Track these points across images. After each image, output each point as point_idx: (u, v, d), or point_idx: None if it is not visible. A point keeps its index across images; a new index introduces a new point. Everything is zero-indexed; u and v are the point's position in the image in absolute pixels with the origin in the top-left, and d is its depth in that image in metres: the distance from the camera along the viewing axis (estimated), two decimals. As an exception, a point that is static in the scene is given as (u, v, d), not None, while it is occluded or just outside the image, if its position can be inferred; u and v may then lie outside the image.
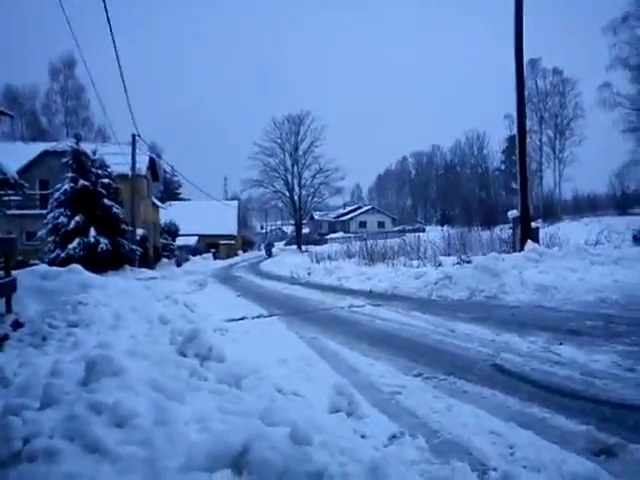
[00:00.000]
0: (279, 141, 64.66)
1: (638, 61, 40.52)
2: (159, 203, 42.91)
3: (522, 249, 13.67)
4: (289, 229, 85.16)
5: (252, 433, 2.77)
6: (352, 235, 53.76)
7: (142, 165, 32.22)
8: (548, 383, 4.49)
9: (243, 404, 3.53)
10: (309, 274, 19.18)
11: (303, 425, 2.87)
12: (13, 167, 15.70)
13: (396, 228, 67.15)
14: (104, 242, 24.31)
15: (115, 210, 25.82)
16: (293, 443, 2.72)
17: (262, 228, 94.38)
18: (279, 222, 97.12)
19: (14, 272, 7.38)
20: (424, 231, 47.73)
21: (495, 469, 2.92)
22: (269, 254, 48.15)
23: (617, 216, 32.45)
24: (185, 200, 65.63)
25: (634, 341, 5.80)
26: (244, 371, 4.32)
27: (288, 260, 29.52)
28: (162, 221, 43.41)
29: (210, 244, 50.22)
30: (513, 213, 15.98)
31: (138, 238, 28.79)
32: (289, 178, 64.63)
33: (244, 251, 61.49)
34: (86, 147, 27.00)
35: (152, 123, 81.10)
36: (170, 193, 68.17)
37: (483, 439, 3.35)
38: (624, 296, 9.05)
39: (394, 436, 3.49)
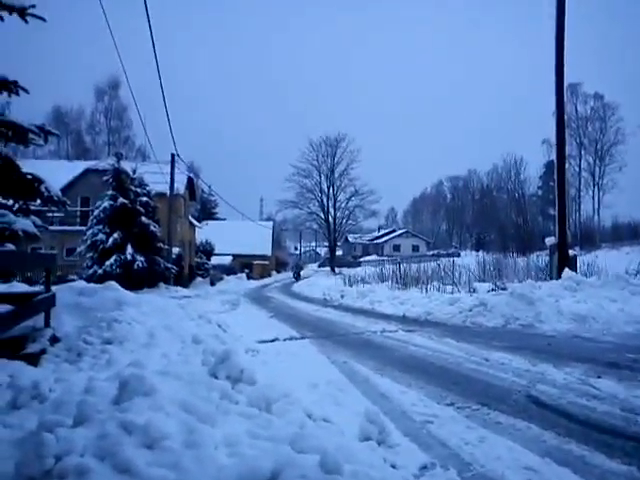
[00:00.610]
0: (315, 163, 64.98)
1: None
2: (195, 222, 43.51)
3: (559, 277, 13.41)
4: (322, 251, 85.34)
5: (282, 459, 2.74)
6: (386, 258, 53.53)
7: (180, 184, 32.78)
8: (586, 418, 4.35)
9: (273, 429, 3.50)
10: (342, 297, 19.12)
11: (333, 453, 2.83)
12: (57, 184, 16.16)
13: (430, 252, 66.66)
14: (140, 260, 24.73)
15: (152, 228, 26.28)
16: (323, 472, 2.69)
17: (296, 249, 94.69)
18: (313, 244, 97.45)
19: (53, 287, 7.54)
20: (459, 256, 47.29)
21: (530, 507, 2.84)
22: (297, 277, 43.89)
23: (660, 245, 31.61)
24: (221, 220, 66.45)
25: (679, 377, 5.61)
26: (275, 395, 4.29)
27: (321, 282, 29.51)
28: (198, 240, 43.94)
29: (244, 264, 50.58)
30: (550, 240, 15.73)
31: (174, 256, 29.18)
32: (324, 200, 64.79)
33: (277, 272, 61.77)
34: (126, 166, 27.66)
35: (191, 143, 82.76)
36: (206, 212, 69.08)
37: (517, 474, 3.26)
38: (668, 328, 8.82)
39: (425, 467, 3.42)
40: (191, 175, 39.79)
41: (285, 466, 2.68)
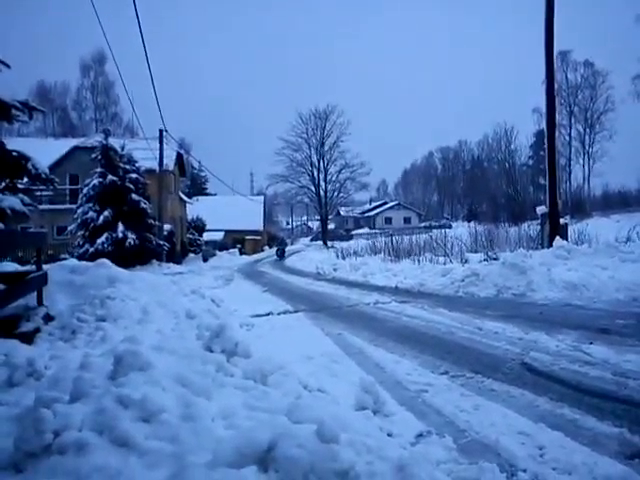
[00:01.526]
0: (305, 136, 64.40)
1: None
2: (186, 198, 43.28)
3: (550, 246, 13.45)
4: (315, 225, 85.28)
5: (278, 430, 2.76)
6: (378, 231, 53.50)
7: (169, 160, 32.54)
8: (578, 383, 4.41)
9: (269, 400, 3.53)
10: (335, 270, 19.15)
11: (329, 423, 2.85)
12: (45, 162, 15.95)
13: (422, 224, 66.82)
14: (132, 237, 24.63)
15: (143, 205, 26.13)
16: (319, 441, 2.71)
17: (288, 224, 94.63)
18: (305, 218, 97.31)
19: (45, 266, 7.50)
20: (450, 227, 47.39)
21: (524, 470, 2.88)
22: (280, 256, 35.89)
23: (649, 211, 31.79)
24: (212, 195, 66.14)
25: (669, 341, 5.67)
26: (270, 367, 4.33)
27: (313, 256, 29.55)
28: (189, 216, 43.79)
29: (236, 239, 50.45)
30: (541, 209, 15.76)
31: (165, 233, 29.10)
32: (315, 173, 64.42)
33: (270, 247, 61.69)
34: (115, 142, 27.38)
35: (181, 120, 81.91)
36: (197, 188, 68.72)
37: (512, 439, 3.30)
38: (656, 294, 8.88)
39: (421, 435, 3.46)
40: (180, 151, 39.51)
41: (282, 436, 2.70)
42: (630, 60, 43.67)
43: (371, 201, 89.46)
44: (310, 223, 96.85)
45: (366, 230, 65.57)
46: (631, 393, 4.07)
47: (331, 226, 73.47)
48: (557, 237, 13.93)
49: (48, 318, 6.42)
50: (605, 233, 16.01)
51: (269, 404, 3.43)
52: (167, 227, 30.27)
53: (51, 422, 2.72)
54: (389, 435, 3.41)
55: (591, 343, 5.69)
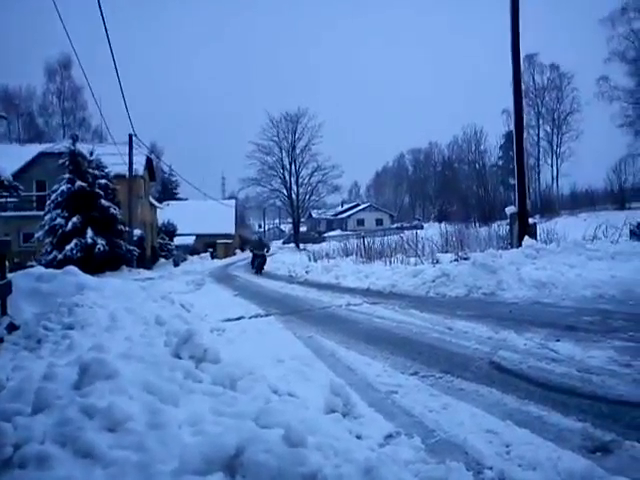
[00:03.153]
0: (276, 139, 64.61)
1: (635, 54, 40.58)
2: (156, 203, 42.91)
3: (520, 245, 13.64)
4: (287, 227, 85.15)
5: (246, 435, 2.75)
6: (350, 233, 53.76)
7: (139, 165, 32.23)
8: (545, 380, 4.47)
9: (238, 406, 3.51)
10: (307, 272, 19.16)
11: (297, 427, 2.85)
12: (9, 169, 15.64)
13: (394, 225, 67.24)
14: (101, 243, 24.32)
15: (112, 211, 25.84)
16: (287, 445, 2.70)
17: (260, 227, 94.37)
18: (277, 221, 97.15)
19: (10, 275, 7.35)
20: (422, 228, 47.74)
21: (491, 468, 2.90)
22: (259, 267, 23.88)
23: (615, 211, 32.45)
24: (183, 200, 65.66)
25: (631, 336, 5.79)
26: (239, 372, 4.30)
27: (286, 259, 29.48)
28: (160, 221, 43.40)
29: (208, 244, 50.19)
30: (510, 209, 15.97)
31: (135, 238, 28.80)
32: (287, 176, 64.60)
33: (242, 250, 61.46)
34: (83, 148, 27.05)
35: (152, 124, 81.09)
36: (168, 193, 68.19)
37: (479, 438, 3.33)
38: (621, 291, 9.05)
39: (390, 436, 3.47)
40: (151, 156, 39.12)
41: (249, 441, 2.69)
42: (594, 62, 44.65)
43: (343, 203, 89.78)
44: (282, 226, 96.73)
45: (338, 232, 65.76)
46: (595, 388, 4.14)
47: (303, 229, 73.59)
48: (526, 236, 14.13)
49: (12, 327, 6.29)
50: (573, 232, 16.32)
51: (237, 409, 3.41)
52: (137, 232, 29.96)
53: (11, 435, 2.66)
54: (358, 437, 3.41)
55: (558, 340, 5.78)
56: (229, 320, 8.84)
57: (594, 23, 41.77)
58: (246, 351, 5.88)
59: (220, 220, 54.97)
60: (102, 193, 25.78)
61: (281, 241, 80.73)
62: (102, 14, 11.23)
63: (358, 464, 2.64)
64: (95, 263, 22.25)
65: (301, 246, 54.30)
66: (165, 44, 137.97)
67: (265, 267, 24.20)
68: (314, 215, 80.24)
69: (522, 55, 15.60)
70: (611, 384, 4.21)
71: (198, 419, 3.22)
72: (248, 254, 54.89)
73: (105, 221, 25.42)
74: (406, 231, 30.72)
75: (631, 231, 15.25)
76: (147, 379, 3.55)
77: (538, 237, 15.45)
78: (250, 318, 9.25)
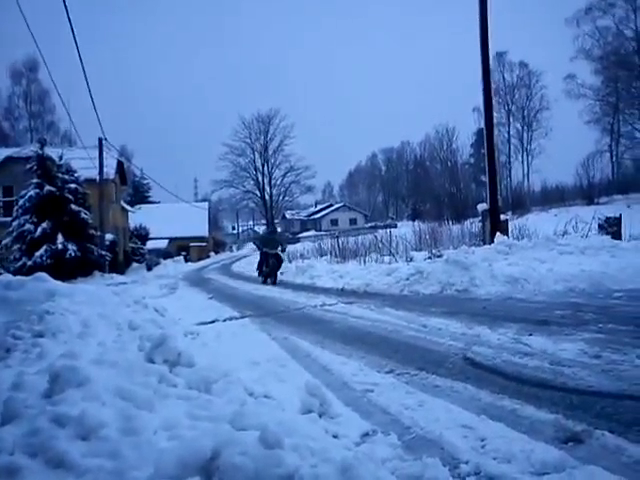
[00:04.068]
0: (248, 140, 64.56)
1: (601, 53, 41.38)
2: (128, 207, 42.42)
3: (492, 242, 13.78)
4: (261, 229, 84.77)
5: (222, 438, 2.73)
6: (324, 233, 53.78)
7: (110, 169, 31.81)
8: (518, 374, 4.54)
9: (213, 409, 3.49)
10: (281, 273, 19.10)
11: (274, 428, 2.84)
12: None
13: (368, 225, 67.40)
14: (72, 248, 23.96)
15: (83, 215, 25.48)
16: (263, 447, 2.69)
17: (234, 229, 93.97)
18: (251, 222, 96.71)
19: (-24, 283, 7.19)
20: (396, 227, 47.95)
21: (466, 462, 2.94)
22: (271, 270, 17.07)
23: (584, 206, 33.00)
24: (155, 203, 65.00)
25: (600, 329, 5.91)
26: (214, 375, 4.28)
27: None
28: (132, 225, 42.92)
29: (181, 247, 49.75)
30: (482, 206, 16.12)
31: (107, 243, 28.44)
32: (259, 177, 64.57)
33: (216, 252, 61.12)
34: (52, 152, 26.61)
35: (122, 128, 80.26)
36: (139, 197, 67.37)
37: (455, 433, 3.37)
38: (591, 285, 9.23)
39: (366, 434, 3.48)
40: (121, 159, 38.64)
41: (225, 444, 2.67)
42: (562, 60, 45.42)
43: (317, 204, 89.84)
44: (256, 227, 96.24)
45: (312, 233, 65.69)
46: (566, 380, 4.23)
47: (278, 230, 73.36)
48: (498, 233, 14.27)
49: (-20, 337, 6.14)
50: (544, 227, 16.55)
51: (213, 413, 3.39)
52: (109, 237, 29.59)
53: (-21, 447, 2.60)
54: (335, 437, 3.41)
55: (530, 335, 5.87)
56: (203, 323, 8.78)
57: (560, 22, 42.46)
58: (221, 354, 5.85)
59: (193, 223, 54.57)
60: (72, 198, 25.38)
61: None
62: (68, 15, 11.06)
63: (335, 463, 2.63)
64: (66, 269, 21.90)
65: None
66: (136, 46, 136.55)
67: (239, 270, 23.69)
68: (288, 216, 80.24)
69: (492, 53, 15.79)
70: (582, 375, 4.30)
71: (173, 424, 3.19)
72: (222, 257, 54.44)
73: (76, 226, 25.04)
74: (380, 230, 30.85)
75: (600, 226, 15.50)
76: (120, 385, 3.50)
77: (510, 233, 15.62)
78: (225, 321, 9.20)
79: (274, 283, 16.28)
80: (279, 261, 16.95)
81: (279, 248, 17.32)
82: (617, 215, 15.69)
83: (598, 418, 3.41)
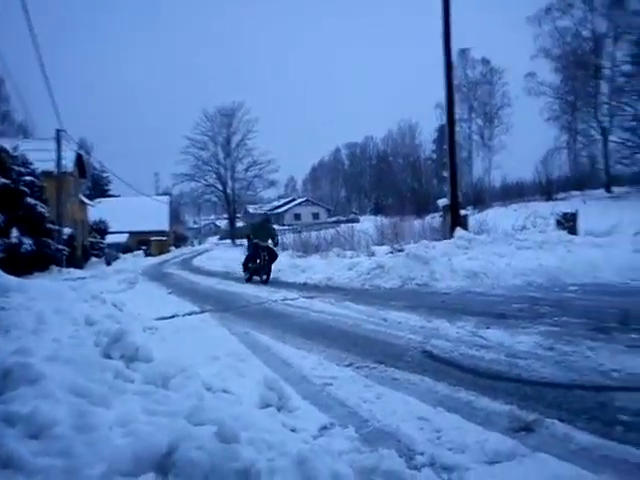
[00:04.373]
0: (210, 134, 63.82)
1: (560, 52, 42.21)
2: (87, 201, 41.62)
3: (452, 237, 13.98)
4: (223, 223, 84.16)
5: (178, 433, 2.71)
6: (287, 228, 53.60)
7: (69, 162, 31.16)
8: (475, 367, 4.61)
9: (170, 404, 3.44)
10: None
11: (230, 423, 2.83)
12: None
13: (330, 219, 67.52)
14: (28, 242, 23.35)
15: (40, 209, 24.85)
16: (220, 441, 2.68)
17: (195, 223, 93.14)
18: (213, 216, 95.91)
19: None
20: (358, 221, 48.20)
21: (422, 453, 2.98)
22: (264, 264, 14.49)
23: (543, 202, 33.68)
24: (115, 197, 63.88)
25: (555, 321, 6.07)
26: (172, 370, 4.23)
27: (222, 255, 29.23)
28: (91, 219, 42.15)
29: (141, 241, 49.13)
30: (443, 201, 16.33)
31: (65, 237, 27.85)
32: (222, 171, 63.97)
33: (177, 247, 60.50)
34: (6, 143, 25.83)
35: (82, 120, 78.54)
36: (99, 190, 66.12)
37: (411, 425, 3.41)
38: (548, 279, 9.46)
39: (324, 427, 3.49)
40: (80, 152, 37.84)
41: (182, 439, 2.65)
42: (524, 58, 46.17)
43: (280, 198, 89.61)
44: (218, 222, 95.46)
45: (276, 227, 65.48)
46: (521, 372, 4.32)
47: (240, 224, 72.99)
48: (458, 228, 14.50)
49: None
50: (504, 222, 16.89)
51: (170, 408, 3.35)
52: (67, 231, 28.98)
53: None
54: (293, 430, 3.41)
55: (488, 328, 5.98)
56: (163, 318, 8.67)
57: (522, 21, 43.11)
58: (180, 349, 5.78)
59: (154, 217, 53.93)
60: (28, 191, 24.72)
61: (217, 237, 79.80)
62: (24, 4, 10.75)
63: (291, 457, 2.64)
64: (21, 264, 21.32)
65: (238, 242, 53.78)
66: (97, 36, 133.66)
67: (200, 264, 23.37)
68: (251, 210, 79.72)
69: (455, 50, 16.00)
70: (536, 367, 4.40)
71: (129, 419, 3.14)
72: (183, 251, 53.90)
73: (32, 220, 24.40)
74: (342, 225, 30.95)
75: (557, 221, 15.86)
76: (75, 381, 3.43)
77: (470, 228, 15.88)
78: (184, 316, 9.10)
79: (266, 281, 14.00)
80: (272, 256, 14.55)
81: (270, 241, 14.81)
82: (573, 211, 16.09)
83: (550, 408, 3.50)
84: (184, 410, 3.17)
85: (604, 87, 40.49)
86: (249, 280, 14.82)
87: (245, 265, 15.41)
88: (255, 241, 14.97)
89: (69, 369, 3.75)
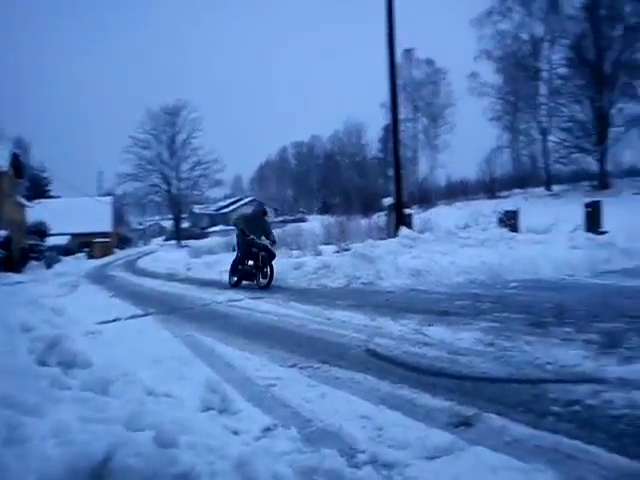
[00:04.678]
0: (154, 132, 62.57)
1: (501, 54, 43.39)
2: (25, 202, 40.19)
3: (397, 235, 14.15)
4: (168, 224, 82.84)
5: (115, 440, 2.64)
6: (233, 227, 53.17)
7: (3, 161, 30.04)
8: (417, 364, 4.67)
9: (109, 411, 3.36)
10: (188, 269, 18.80)
11: (169, 427, 2.79)
12: None
13: (278, 219, 67.40)
14: (-40, 246, 22.42)
15: (-27, 211, 23.88)
16: (158, 446, 2.63)
17: (140, 224, 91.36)
18: (157, 217, 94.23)
19: None
20: (305, 221, 48.24)
21: (363, 451, 3.00)
22: (262, 265, 12.18)
23: (487, 200, 34.52)
24: (55, 198, 61.95)
25: (496, 317, 6.23)
26: (112, 375, 4.12)
27: (167, 256, 28.80)
28: (30, 221, 40.74)
29: (84, 243, 47.86)
30: (388, 200, 16.56)
31: (1, 240, 26.85)
32: (166, 171, 62.86)
33: (121, 249, 59.18)
34: None
35: (18, 118, 75.90)
36: (39, 191, 63.89)
37: (354, 424, 3.42)
38: (490, 276, 9.71)
39: (267, 429, 3.47)
40: (16, 151, 36.52)
41: (119, 446, 2.58)
42: (468, 59, 47.16)
43: (226, 198, 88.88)
44: (163, 222, 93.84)
45: (221, 227, 64.80)
46: (461, 368, 4.41)
47: (186, 225, 72.04)
48: (403, 226, 14.69)
49: None
50: (448, 221, 17.25)
51: (108, 415, 3.26)
52: (3, 233, 27.92)
53: None
54: (235, 433, 3.38)
55: (430, 325, 6.08)
56: (105, 322, 8.45)
57: (466, 22, 44.07)
58: (122, 353, 5.66)
59: (96, 218, 52.65)
60: (-39, 192, 23.79)
61: (162, 238, 78.51)
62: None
63: (232, 459, 2.62)
64: (-46, 268, 20.49)
65: (183, 243, 52.96)
66: (41, 35, 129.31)
67: (144, 266, 22.89)
68: (196, 210, 78.78)
69: (400, 50, 16.25)
70: (476, 363, 4.50)
71: (64, 429, 3.04)
72: (127, 253, 52.78)
73: (-35, 222, 23.48)
74: (289, 224, 30.88)
75: (499, 219, 16.29)
76: (5, 392, 3.30)
77: (415, 227, 16.13)
78: (127, 319, 8.89)
79: (267, 286, 11.68)
80: (271, 255, 12.21)
81: (267, 241, 12.40)
82: (515, 209, 16.58)
83: (488, 402, 3.58)
84: (123, 416, 3.10)
85: (543, 89, 41.91)
86: (236, 285, 12.60)
87: (234, 267, 12.95)
88: (251, 237, 12.33)
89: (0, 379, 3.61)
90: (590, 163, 35.91)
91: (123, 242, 64.65)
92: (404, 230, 14.30)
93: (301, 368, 4.92)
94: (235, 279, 12.74)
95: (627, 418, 3.15)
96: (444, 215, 20.64)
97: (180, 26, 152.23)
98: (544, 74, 41.18)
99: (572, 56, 36.56)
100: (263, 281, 11.90)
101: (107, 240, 53.98)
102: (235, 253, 13.22)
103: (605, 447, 2.79)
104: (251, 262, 12.39)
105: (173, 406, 3.74)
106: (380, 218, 19.58)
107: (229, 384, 4.34)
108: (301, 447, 3.09)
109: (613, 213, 14.72)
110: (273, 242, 12.59)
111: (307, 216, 65.70)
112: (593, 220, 14.51)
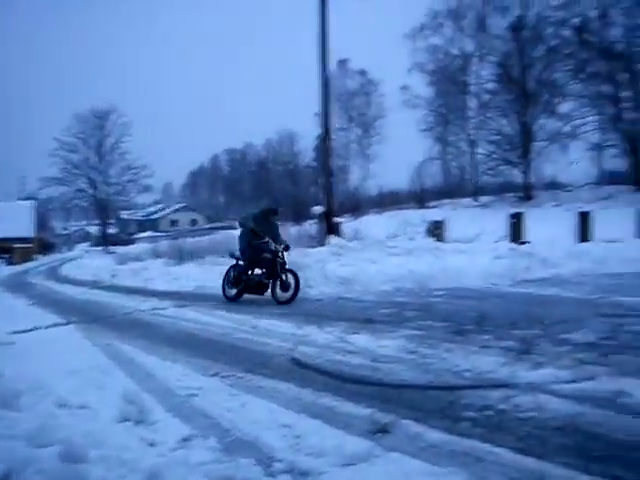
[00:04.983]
0: (82, 136, 60.68)
1: (433, 67, 44.58)
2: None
3: (326, 244, 14.24)
4: (95, 229, 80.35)
5: (17, 458, 2.52)
6: (162, 234, 52.10)
7: None
8: (341, 372, 4.69)
9: (14, 426, 3.20)
10: (113, 277, 18.28)
11: (79, 441, 2.71)
12: None
13: (207, 225, 66.56)
14: None
15: None
16: (65, 462, 2.53)
17: (65, 229, 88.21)
18: (84, 222, 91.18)
19: None
20: (237, 228, 47.75)
21: (281, 460, 2.97)
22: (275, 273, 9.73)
23: (417, 209, 35.18)
24: (-29, 202, 58.94)
25: (419, 325, 6.35)
26: (23, 387, 3.96)
27: (92, 263, 27.89)
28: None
29: (3, 249, 45.68)
30: (317, 209, 16.63)
31: None
32: (94, 175, 61.05)
33: (44, 254, 56.87)
34: None
35: None
36: (-47, 194, 60.77)
37: (273, 433, 3.39)
38: (416, 284, 9.90)
39: (185, 439, 3.39)
40: None
41: (20, 464, 2.47)
42: (401, 72, 47.98)
43: (156, 203, 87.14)
44: (90, 228, 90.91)
45: (150, 233, 63.36)
46: (383, 376, 4.46)
47: (113, 230, 70.12)
48: (332, 235, 14.80)
49: None
50: (378, 229, 17.48)
51: (14, 431, 3.11)
52: None
53: None
54: (151, 444, 3.28)
55: (355, 333, 6.13)
56: (21, 332, 8.07)
57: (400, 36, 44.89)
58: (37, 364, 5.45)
59: (16, 223, 50.33)
60: None
61: (88, 244, 76.00)
62: None
63: (144, 472, 2.55)
64: None
65: (110, 249, 51.41)
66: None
67: (67, 272, 22.08)
68: (124, 216, 76.80)
69: (334, 60, 16.38)
70: (397, 370, 4.57)
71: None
72: (50, 259, 50.93)
73: None
74: (221, 231, 30.55)
75: (427, 229, 16.64)
76: None
77: (345, 235, 16.25)
78: (46, 328, 8.53)
79: (292, 299, 9.40)
80: (282, 263, 9.89)
81: (280, 246, 10.06)
82: (441, 219, 16.98)
83: (407, 409, 3.63)
84: (29, 431, 2.97)
85: (472, 102, 43.23)
86: (235, 299, 10.35)
87: (234, 277, 10.62)
88: (266, 240, 10.00)
89: None
90: (516, 175, 37.25)
91: (46, 248, 62.14)
92: (333, 238, 14.43)
93: (223, 377, 4.84)
94: (234, 292, 10.45)
95: (533, 421, 3.28)
96: (374, 224, 20.89)
97: (112, 28, 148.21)
98: (473, 88, 42.50)
99: (499, 72, 37.97)
100: (284, 294, 9.54)
101: (29, 246, 51.69)
102: (233, 256, 11.04)
103: (512, 449, 2.89)
104: (259, 271, 10.30)
105: (87, 418, 3.61)
106: (312, 226, 19.64)
107: (149, 394, 4.24)
108: (220, 457, 3.03)
109: (535, 224, 15.33)
110: (287, 247, 10.36)
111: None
112: (516, 230, 15.05)
